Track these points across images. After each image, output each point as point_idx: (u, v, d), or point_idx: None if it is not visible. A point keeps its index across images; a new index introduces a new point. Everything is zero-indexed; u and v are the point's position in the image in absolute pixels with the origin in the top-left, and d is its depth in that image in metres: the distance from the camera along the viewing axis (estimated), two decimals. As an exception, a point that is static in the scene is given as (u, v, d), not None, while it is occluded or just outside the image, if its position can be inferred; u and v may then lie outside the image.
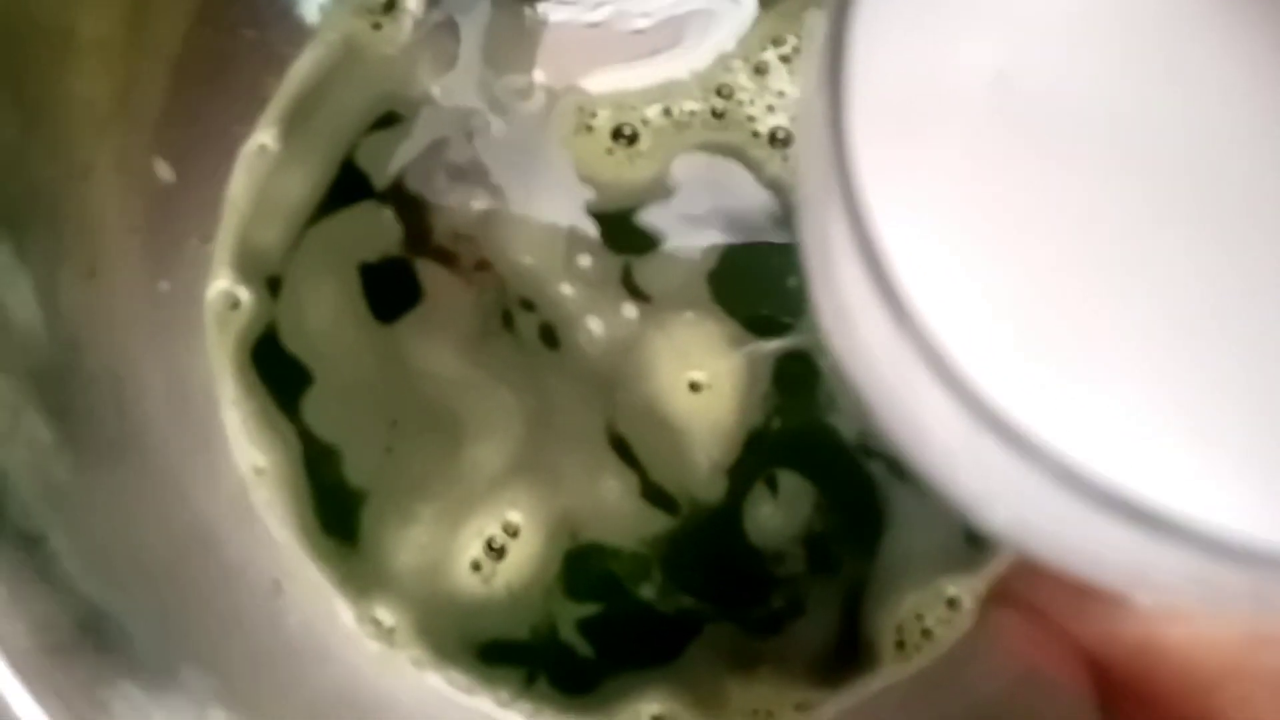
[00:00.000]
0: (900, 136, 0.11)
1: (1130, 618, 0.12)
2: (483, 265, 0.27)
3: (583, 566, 0.26)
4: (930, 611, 0.26)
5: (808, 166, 0.12)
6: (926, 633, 0.26)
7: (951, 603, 0.26)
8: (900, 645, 0.26)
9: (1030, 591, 0.14)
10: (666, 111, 0.27)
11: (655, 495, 0.26)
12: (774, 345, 0.26)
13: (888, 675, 0.26)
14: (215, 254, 0.27)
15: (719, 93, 0.28)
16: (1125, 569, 0.11)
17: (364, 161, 0.28)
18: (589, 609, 0.26)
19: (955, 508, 0.13)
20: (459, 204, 0.28)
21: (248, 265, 0.27)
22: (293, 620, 0.26)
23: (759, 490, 0.26)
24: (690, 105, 0.28)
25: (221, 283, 0.27)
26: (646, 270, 0.27)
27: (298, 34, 0.28)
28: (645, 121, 0.28)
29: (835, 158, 0.10)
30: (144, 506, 0.24)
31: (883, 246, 0.10)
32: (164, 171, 0.27)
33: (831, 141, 0.10)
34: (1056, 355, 0.11)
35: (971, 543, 0.26)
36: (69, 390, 0.24)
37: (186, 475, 0.26)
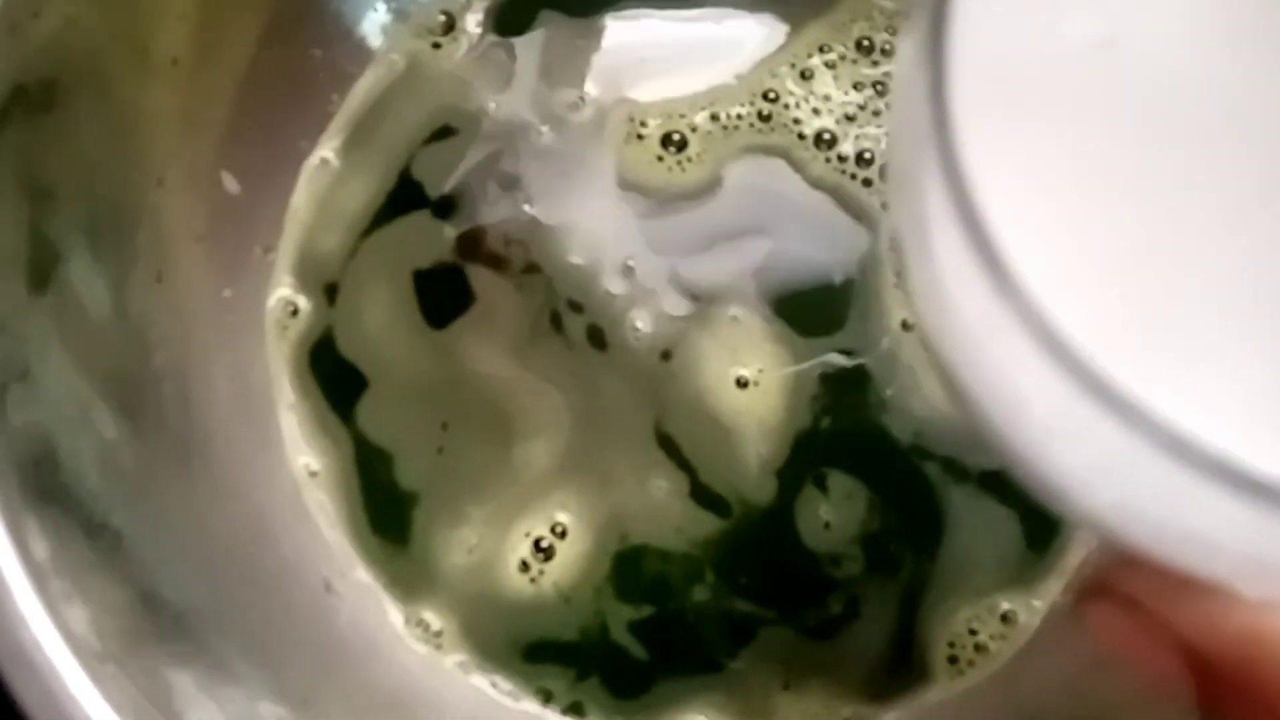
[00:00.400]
0: (1003, 103, 0.11)
1: (1234, 609, 0.11)
2: (532, 268, 0.28)
3: (633, 568, 0.26)
4: (984, 625, 0.25)
5: (904, 139, 0.12)
6: (980, 647, 0.25)
7: (1006, 617, 0.25)
8: (953, 660, 0.25)
9: (1126, 583, 0.13)
10: (714, 117, 0.28)
11: (705, 496, 0.26)
12: (820, 356, 0.26)
13: (939, 690, 0.25)
14: (277, 263, 0.28)
15: (765, 97, 0.28)
16: (1234, 551, 0.11)
17: (419, 172, 0.29)
18: (640, 611, 0.26)
19: (1048, 495, 0.12)
20: (510, 211, 0.28)
21: (307, 274, 0.28)
22: (342, 619, 0.26)
23: (810, 491, 0.26)
24: (737, 110, 0.28)
25: (282, 290, 0.28)
26: (694, 270, 0.27)
27: (361, 53, 0.29)
28: (694, 128, 0.28)
29: (936, 126, 0.10)
30: (204, 502, 0.25)
31: (984, 212, 0.10)
32: (230, 183, 0.28)
33: (933, 110, 0.11)
34: (1164, 322, 0.11)
35: (1029, 555, 0.26)
36: (136, 388, 0.25)
37: (245, 474, 0.26)
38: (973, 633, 0.25)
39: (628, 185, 0.28)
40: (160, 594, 0.22)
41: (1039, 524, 0.26)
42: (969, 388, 0.12)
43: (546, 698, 0.26)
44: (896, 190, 0.12)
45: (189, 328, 0.26)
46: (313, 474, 0.27)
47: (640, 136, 0.28)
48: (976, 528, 0.26)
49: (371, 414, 0.27)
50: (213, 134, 0.27)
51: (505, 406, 0.27)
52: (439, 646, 0.26)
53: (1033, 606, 0.26)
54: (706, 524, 0.26)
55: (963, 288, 0.11)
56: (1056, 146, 0.11)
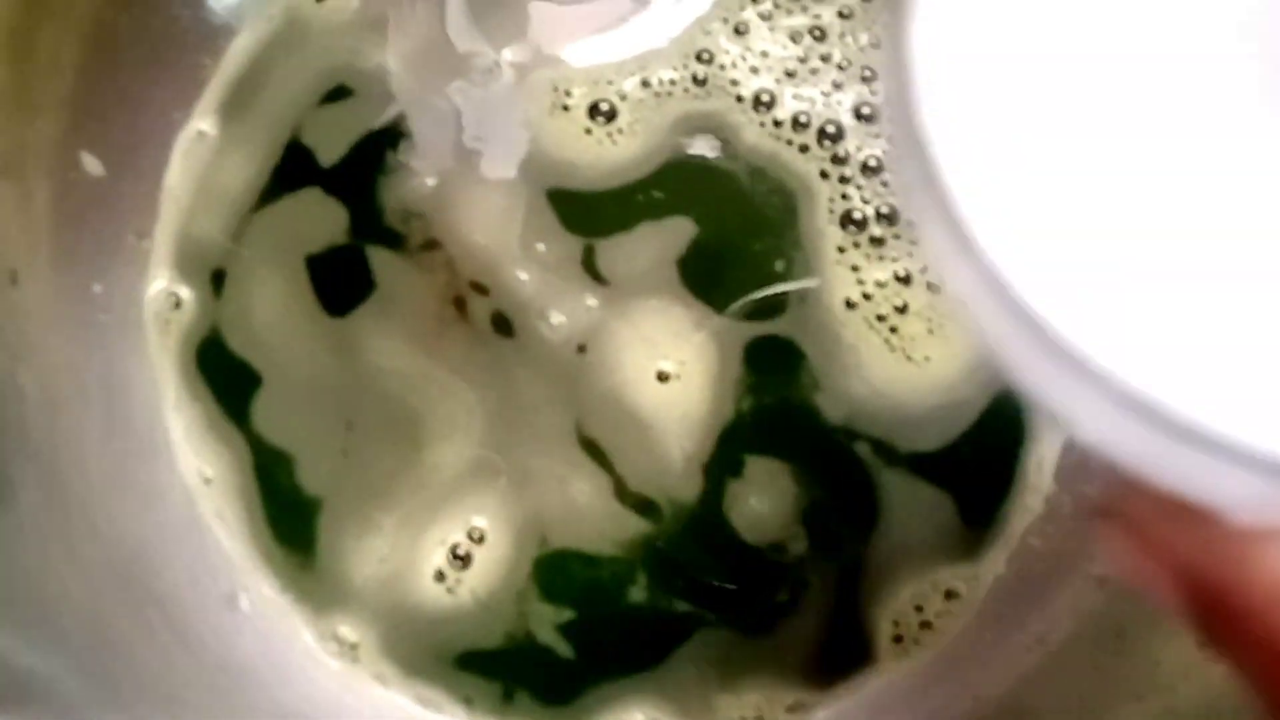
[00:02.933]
0: (961, 78, 0.12)
1: (1232, 534, 0.11)
2: (431, 244, 0.25)
3: (558, 572, 0.24)
4: (929, 603, 0.24)
5: (890, 109, 0.13)
6: (926, 625, 0.24)
7: (951, 594, 0.24)
8: (898, 639, 0.24)
9: (1130, 506, 0.13)
10: (645, 83, 0.25)
11: (631, 498, 0.25)
12: (748, 341, 0.24)
13: (886, 671, 0.24)
14: (153, 251, 0.26)
15: (699, 58, 0.25)
16: (1208, 491, 0.11)
17: (310, 138, 0.26)
18: (567, 614, 0.24)
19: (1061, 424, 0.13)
20: (411, 181, 0.26)
21: (189, 261, 0.26)
22: (247, 640, 0.24)
23: (739, 483, 0.24)
24: (669, 74, 0.25)
25: (160, 281, 0.26)
26: (609, 254, 0.25)
27: (234, 11, 0.26)
28: (623, 96, 0.25)
29: (905, 104, 0.11)
30: (78, 531, 0.23)
31: (944, 180, 0.11)
32: (92, 165, 0.25)
33: (899, 89, 0.12)
34: (1115, 280, 0.11)
35: (968, 531, 0.25)
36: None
37: (127, 490, 0.24)
38: (918, 609, 0.24)
39: (554, 161, 0.25)
40: (11, 654, 0.20)
41: (975, 500, 0.25)
42: (980, 334, 0.12)
43: (471, 706, 0.24)
44: (898, 153, 0.13)
45: (54, 331, 0.24)
46: (207, 481, 0.25)
47: (566, 107, 0.25)
48: (912, 506, 0.24)
49: (268, 414, 0.25)
50: (64, 110, 0.24)
51: (413, 404, 0.25)
52: (355, 660, 0.24)
53: (977, 582, 0.25)
54: (634, 526, 0.24)
55: (941, 248, 0.12)
56: (1012, 113, 0.12)
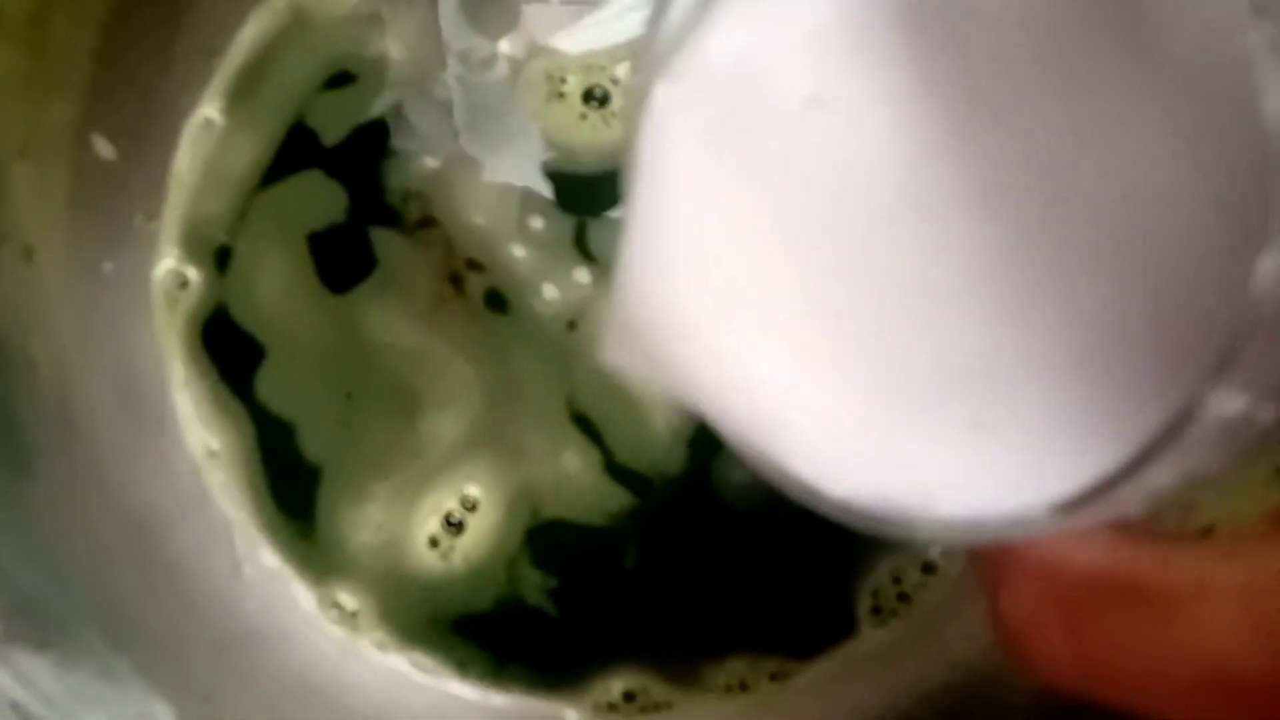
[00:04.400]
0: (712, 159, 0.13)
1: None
2: (427, 221, 0.26)
3: (549, 542, 0.25)
4: (907, 575, 0.25)
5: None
6: (904, 597, 0.25)
7: (928, 566, 0.25)
8: (876, 610, 0.25)
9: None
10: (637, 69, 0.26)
11: (620, 472, 0.25)
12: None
13: (864, 641, 0.25)
14: (161, 232, 0.27)
15: (685, 41, 0.26)
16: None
17: (315, 121, 0.27)
18: (557, 581, 0.25)
19: None
20: (411, 163, 0.26)
21: (195, 242, 0.27)
22: (250, 608, 0.25)
23: (725, 457, 0.25)
24: None
25: (168, 261, 0.27)
26: (601, 232, 0.26)
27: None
28: (615, 81, 0.26)
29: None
30: (89, 497, 0.24)
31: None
32: (104, 148, 0.26)
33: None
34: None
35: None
36: (9, 377, 0.23)
37: (137, 461, 0.25)
38: (896, 582, 0.25)
39: (551, 146, 0.26)
40: (36, 599, 0.21)
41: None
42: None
43: (465, 672, 0.25)
44: None
45: (66, 307, 0.25)
46: (212, 454, 0.26)
47: (561, 95, 0.26)
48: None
49: (271, 387, 0.26)
50: (79, 95, 0.25)
51: (410, 376, 0.26)
52: (355, 628, 0.25)
53: (954, 555, 0.25)
54: (624, 499, 0.25)
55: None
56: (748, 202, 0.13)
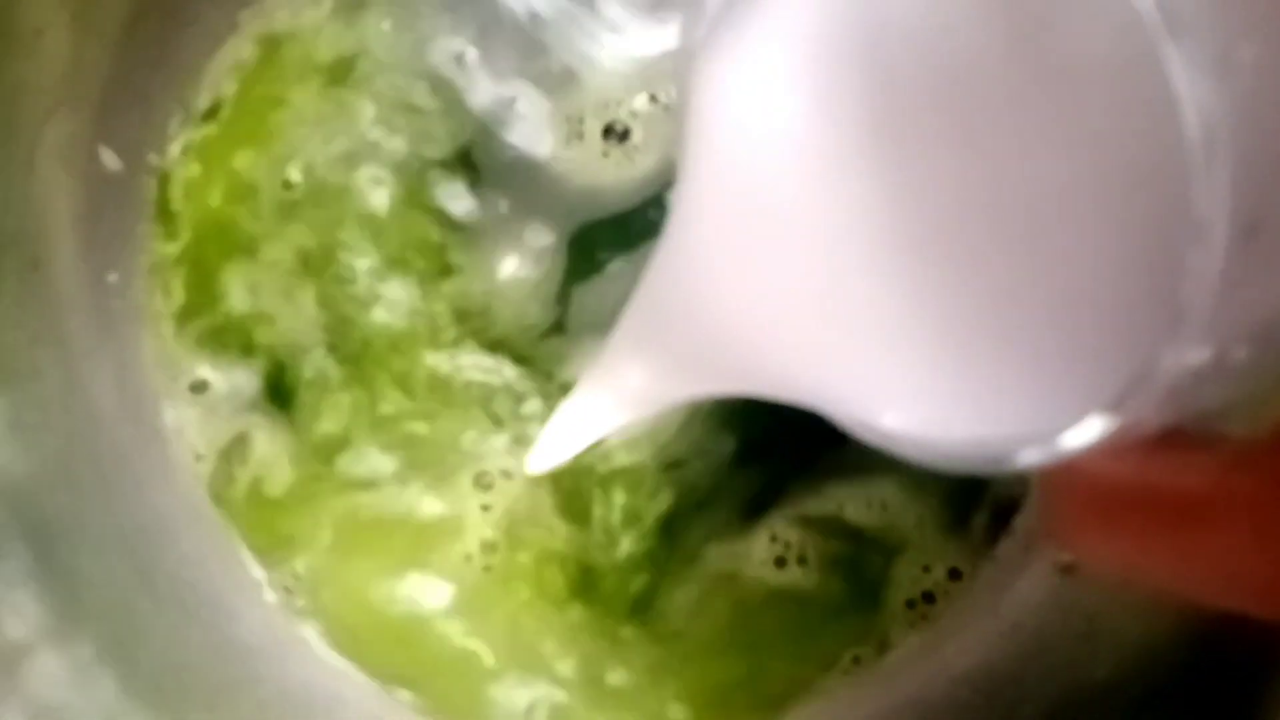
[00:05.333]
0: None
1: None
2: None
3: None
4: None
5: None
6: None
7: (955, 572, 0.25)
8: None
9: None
10: (653, 98, 0.26)
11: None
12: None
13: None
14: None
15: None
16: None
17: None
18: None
19: None
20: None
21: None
22: (255, 616, 0.25)
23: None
24: (674, 86, 0.26)
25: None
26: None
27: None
28: (634, 114, 0.26)
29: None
30: (91, 506, 0.24)
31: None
32: (110, 160, 0.26)
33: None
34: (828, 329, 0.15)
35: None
36: (15, 386, 0.23)
37: (138, 470, 0.25)
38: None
39: (576, 190, 0.26)
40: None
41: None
42: None
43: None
44: None
45: (71, 316, 0.25)
46: (199, 457, 0.26)
47: (581, 135, 0.26)
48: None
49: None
50: (86, 108, 0.25)
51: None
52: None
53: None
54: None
55: None
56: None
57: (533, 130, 0.26)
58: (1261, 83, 0.11)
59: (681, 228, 0.15)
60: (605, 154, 0.26)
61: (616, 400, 0.16)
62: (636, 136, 0.26)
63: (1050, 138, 0.13)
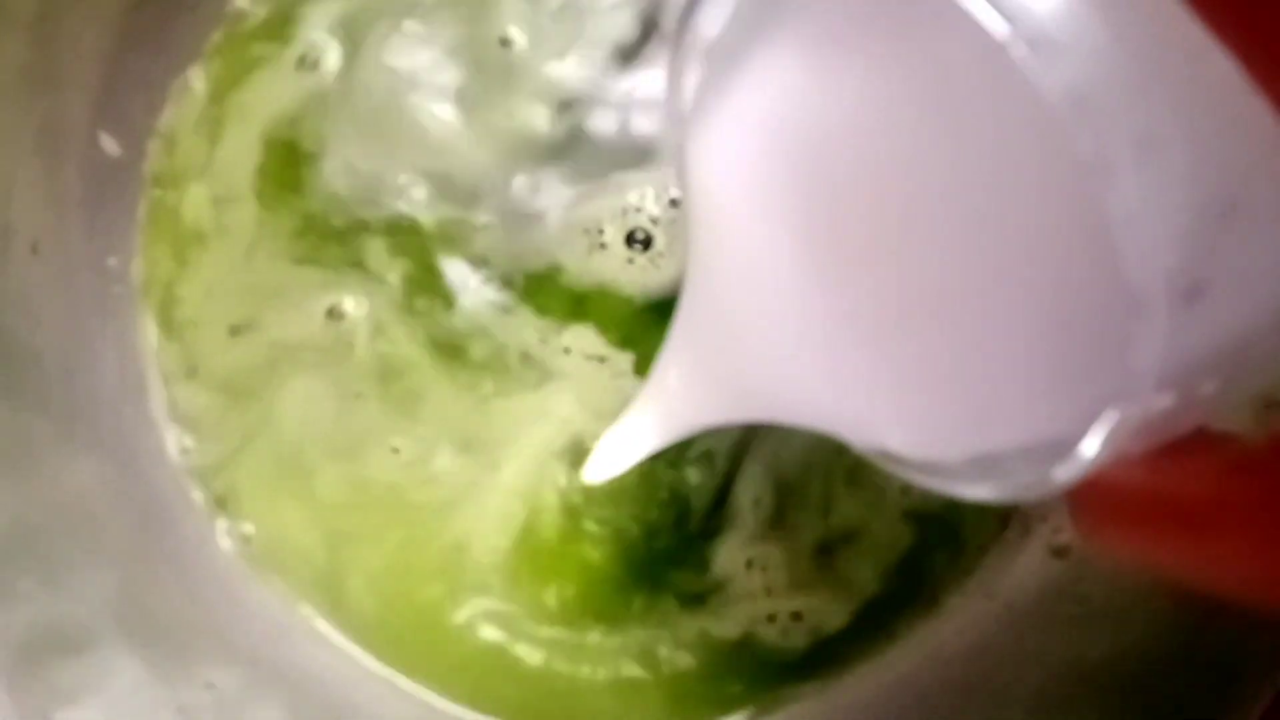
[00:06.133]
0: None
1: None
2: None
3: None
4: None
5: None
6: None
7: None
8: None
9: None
10: (672, 203, 0.26)
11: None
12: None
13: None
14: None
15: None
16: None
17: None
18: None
19: None
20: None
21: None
22: (254, 595, 0.25)
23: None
24: None
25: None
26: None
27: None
28: (655, 220, 0.26)
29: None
30: (90, 487, 0.24)
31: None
32: (110, 145, 0.26)
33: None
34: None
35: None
36: (14, 367, 0.24)
37: (139, 450, 0.25)
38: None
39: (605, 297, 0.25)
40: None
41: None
42: None
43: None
44: None
45: (70, 299, 0.25)
46: (183, 452, 0.26)
47: (603, 245, 0.25)
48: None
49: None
50: (87, 93, 0.26)
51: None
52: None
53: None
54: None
55: None
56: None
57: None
58: (1189, 157, 0.11)
59: (695, 279, 0.17)
60: (630, 261, 0.26)
61: (660, 424, 0.19)
62: (659, 243, 0.26)
63: (989, 221, 0.13)
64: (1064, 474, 0.13)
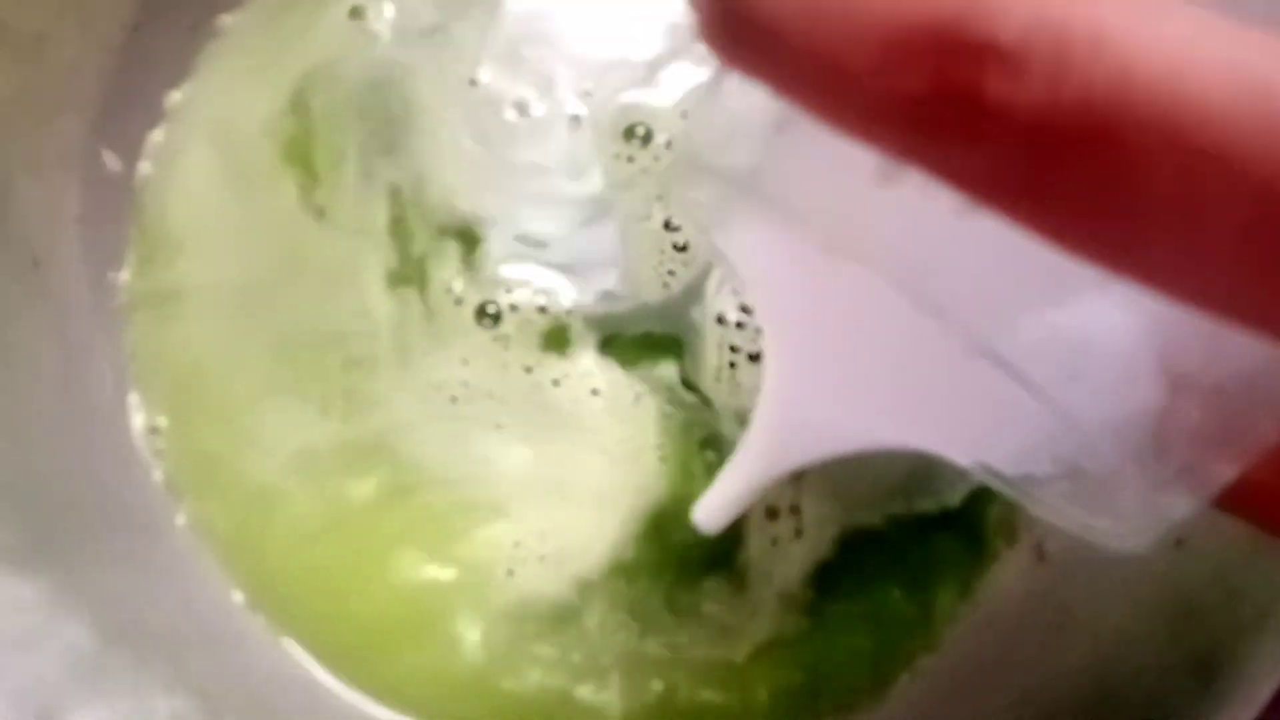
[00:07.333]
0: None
1: None
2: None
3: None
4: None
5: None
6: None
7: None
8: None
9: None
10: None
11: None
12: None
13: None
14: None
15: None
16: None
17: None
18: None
19: None
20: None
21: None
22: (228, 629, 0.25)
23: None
24: None
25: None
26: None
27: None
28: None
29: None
30: (92, 501, 0.24)
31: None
32: (111, 161, 0.27)
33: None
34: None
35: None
36: (16, 383, 0.24)
37: (132, 463, 0.26)
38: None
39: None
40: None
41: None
42: None
43: None
44: None
45: (73, 315, 0.25)
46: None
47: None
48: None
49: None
50: (88, 110, 0.26)
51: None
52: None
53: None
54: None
55: None
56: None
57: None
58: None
59: (771, 334, 0.18)
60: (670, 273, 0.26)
61: (764, 465, 0.19)
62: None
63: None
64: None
